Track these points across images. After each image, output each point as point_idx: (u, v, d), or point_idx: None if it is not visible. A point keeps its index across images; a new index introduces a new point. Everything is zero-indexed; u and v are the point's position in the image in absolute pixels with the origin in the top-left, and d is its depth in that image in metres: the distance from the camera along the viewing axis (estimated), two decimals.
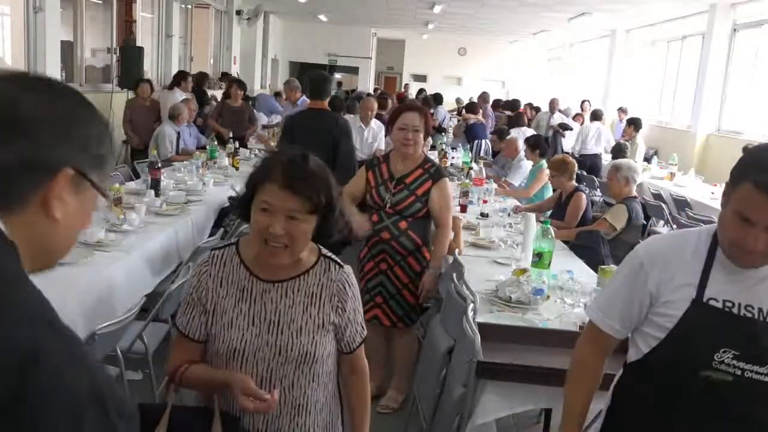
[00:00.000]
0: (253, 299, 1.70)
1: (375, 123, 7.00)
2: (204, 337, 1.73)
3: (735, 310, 1.53)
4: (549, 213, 5.03)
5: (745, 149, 1.57)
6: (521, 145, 6.72)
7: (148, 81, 8.30)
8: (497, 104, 13.38)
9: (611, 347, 1.74)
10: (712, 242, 1.59)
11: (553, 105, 12.27)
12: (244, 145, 7.95)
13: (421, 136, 3.40)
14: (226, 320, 1.69)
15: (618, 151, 8.30)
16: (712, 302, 1.54)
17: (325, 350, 1.73)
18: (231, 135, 7.52)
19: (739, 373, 1.51)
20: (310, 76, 5.17)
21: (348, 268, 1.79)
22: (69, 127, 0.85)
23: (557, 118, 11.97)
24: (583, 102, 12.97)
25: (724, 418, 1.55)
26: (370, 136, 6.95)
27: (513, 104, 12.89)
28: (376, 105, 7.03)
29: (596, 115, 10.59)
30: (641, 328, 1.66)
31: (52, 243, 0.88)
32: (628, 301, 1.65)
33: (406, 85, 21.05)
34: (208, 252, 1.80)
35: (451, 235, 3.78)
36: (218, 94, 10.57)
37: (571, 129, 11.21)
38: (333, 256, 1.78)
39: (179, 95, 8.29)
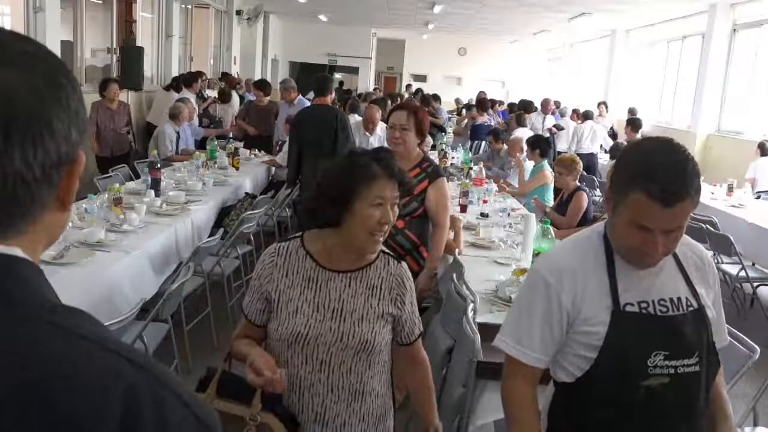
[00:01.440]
0: (318, 287, 1.81)
1: (381, 129, 6.55)
2: (262, 322, 1.86)
3: (651, 310, 1.52)
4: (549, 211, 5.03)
5: (634, 147, 1.52)
6: (524, 146, 6.74)
7: (117, 81, 7.39)
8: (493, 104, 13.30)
9: (540, 375, 1.63)
10: (606, 245, 1.57)
11: (546, 106, 11.85)
12: (269, 141, 8.01)
13: (410, 134, 3.37)
14: (292, 308, 1.80)
15: (616, 151, 8.30)
16: (629, 308, 1.52)
17: (383, 340, 1.83)
18: (231, 136, 7.55)
19: (672, 371, 1.50)
20: (315, 77, 5.94)
21: (405, 264, 1.93)
22: (59, 96, 0.66)
23: (550, 120, 11.63)
24: (600, 104, 12.59)
25: (664, 418, 1.53)
26: (377, 143, 6.55)
27: (526, 105, 12.74)
28: (378, 115, 6.67)
29: (588, 115, 10.58)
30: (567, 351, 1.57)
31: (60, 232, 0.75)
32: (547, 328, 1.56)
33: (408, 85, 20.84)
34: (274, 245, 1.90)
35: (451, 234, 3.78)
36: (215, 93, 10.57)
37: (563, 128, 11.08)
38: (391, 253, 1.94)
39: (188, 96, 8.31)
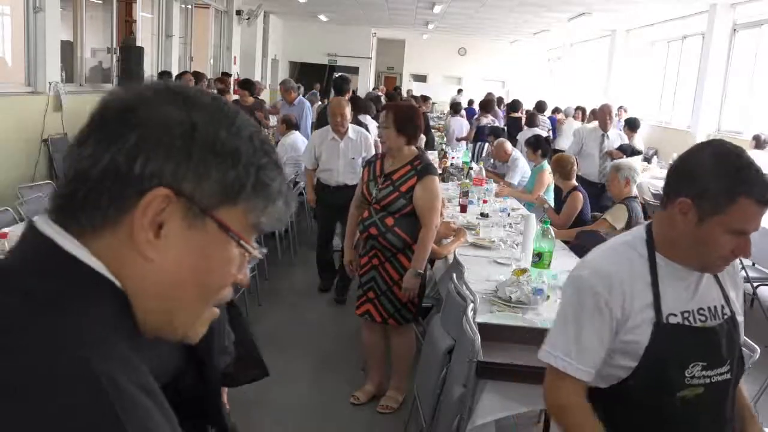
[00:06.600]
0: None
1: (354, 132, 5.12)
2: None
3: (692, 320, 1.52)
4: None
5: (708, 156, 1.46)
6: (509, 147, 6.79)
7: None
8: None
9: (587, 387, 1.56)
10: (649, 252, 1.54)
11: (605, 115, 7.44)
12: None
13: (390, 132, 3.39)
14: None
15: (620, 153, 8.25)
16: (671, 318, 1.50)
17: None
18: None
19: (707, 381, 1.50)
20: (334, 79, 6.96)
21: None
22: (179, 133, 0.66)
23: (614, 138, 7.35)
24: (620, 108, 12.00)
25: (694, 425, 1.53)
26: (351, 151, 5.09)
27: (538, 106, 12.62)
28: (348, 109, 5.12)
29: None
30: (606, 359, 1.53)
31: (161, 293, 0.67)
32: (596, 339, 1.50)
33: (408, 90, 20.58)
34: None
35: (450, 238, 3.77)
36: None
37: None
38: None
39: None
